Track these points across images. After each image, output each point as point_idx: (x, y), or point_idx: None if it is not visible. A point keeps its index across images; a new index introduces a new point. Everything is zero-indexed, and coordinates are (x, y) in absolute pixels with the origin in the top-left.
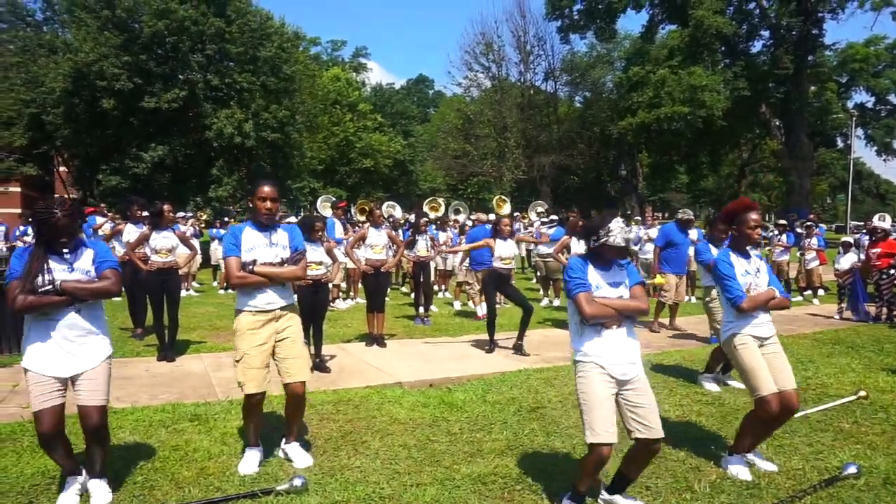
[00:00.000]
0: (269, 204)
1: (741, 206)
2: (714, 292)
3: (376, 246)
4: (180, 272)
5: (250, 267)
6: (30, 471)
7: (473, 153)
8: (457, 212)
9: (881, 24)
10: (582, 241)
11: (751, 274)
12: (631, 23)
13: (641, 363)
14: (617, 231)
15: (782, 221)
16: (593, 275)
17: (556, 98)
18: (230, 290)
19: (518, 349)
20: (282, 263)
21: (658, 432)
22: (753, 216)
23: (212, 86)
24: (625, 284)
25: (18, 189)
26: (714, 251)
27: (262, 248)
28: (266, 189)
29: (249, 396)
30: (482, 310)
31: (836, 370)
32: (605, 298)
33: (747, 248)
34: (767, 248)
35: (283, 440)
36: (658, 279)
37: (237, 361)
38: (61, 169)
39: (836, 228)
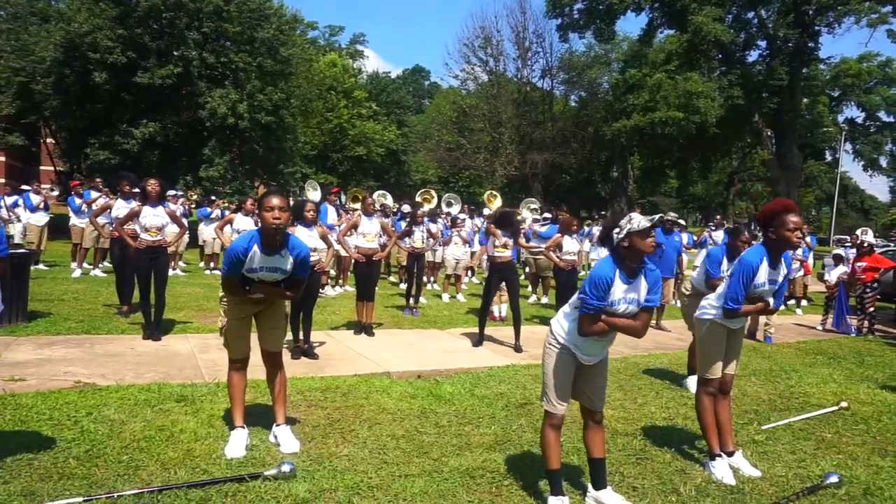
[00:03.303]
0: (276, 213)
1: (780, 207)
2: (688, 284)
3: (368, 234)
4: (168, 250)
5: (248, 288)
6: (12, 445)
7: (467, 146)
8: (449, 204)
9: (875, 41)
10: (600, 248)
11: (766, 284)
12: (630, 25)
13: (608, 350)
14: (638, 217)
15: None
16: (618, 288)
17: (552, 96)
18: (216, 272)
19: (517, 349)
20: (279, 284)
21: (599, 407)
22: (793, 218)
23: (207, 64)
24: (637, 303)
25: (3, 159)
26: (725, 266)
27: (265, 272)
28: (274, 200)
29: (233, 360)
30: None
31: (819, 380)
32: (612, 318)
33: (780, 254)
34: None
35: (274, 423)
36: None
37: (221, 328)
38: (48, 140)
39: (819, 241)
